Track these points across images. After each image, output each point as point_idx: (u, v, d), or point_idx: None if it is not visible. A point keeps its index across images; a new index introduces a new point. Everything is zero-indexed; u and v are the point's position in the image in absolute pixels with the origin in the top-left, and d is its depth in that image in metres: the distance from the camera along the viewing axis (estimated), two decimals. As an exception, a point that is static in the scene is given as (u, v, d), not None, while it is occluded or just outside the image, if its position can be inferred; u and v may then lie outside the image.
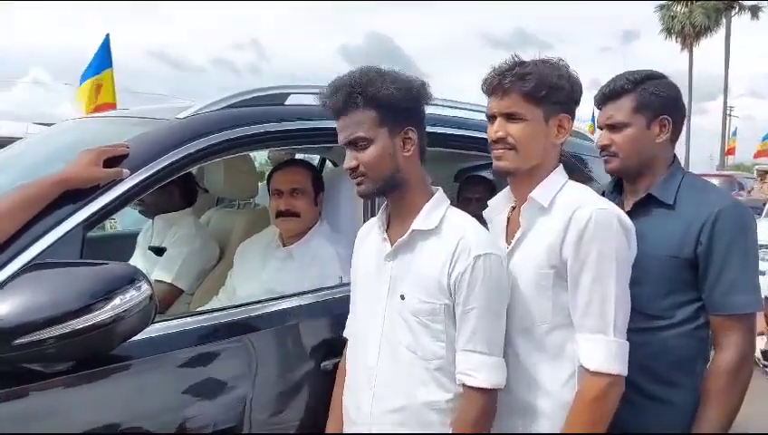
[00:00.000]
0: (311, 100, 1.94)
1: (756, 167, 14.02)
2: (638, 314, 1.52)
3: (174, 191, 2.59)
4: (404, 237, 1.41)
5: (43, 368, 1.23)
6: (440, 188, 1.49)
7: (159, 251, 2.57)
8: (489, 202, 1.66)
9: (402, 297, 1.40)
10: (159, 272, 2.41)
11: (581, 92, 1.48)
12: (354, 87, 1.36)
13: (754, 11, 32.87)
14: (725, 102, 34.16)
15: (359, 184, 1.43)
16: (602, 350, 1.34)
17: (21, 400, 1.23)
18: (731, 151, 21.36)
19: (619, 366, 1.34)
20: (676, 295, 1.55)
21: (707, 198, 1.58)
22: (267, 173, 3.62)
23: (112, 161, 1.45)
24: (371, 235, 1.54)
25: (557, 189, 1.44)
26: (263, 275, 2.10)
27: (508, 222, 1.56)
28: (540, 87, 1.39)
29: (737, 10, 33.04)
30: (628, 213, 1.60)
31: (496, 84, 1.42)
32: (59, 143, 2.06)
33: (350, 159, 1.40)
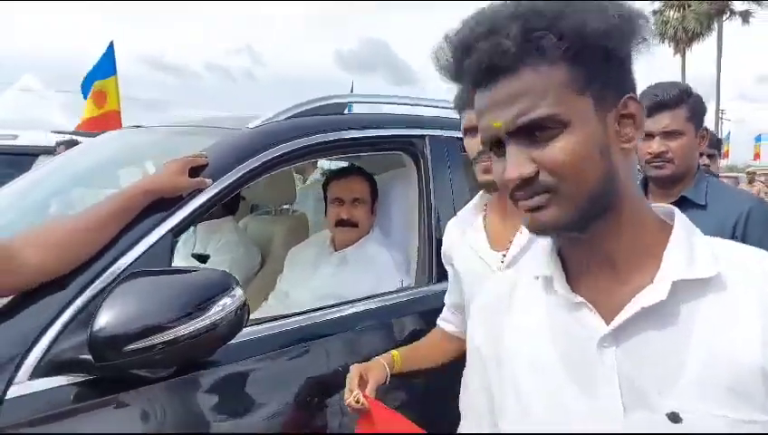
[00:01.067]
0: (368, 109, 1.99)
1: (747, 169, 14.16)
2: None
3: None
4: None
5: (149, 374, 1.25)
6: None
7: (202, 258, 2.59)
8: (459, 213, 1.64)
9: (675, 418, 0.66)
10: None
11: None
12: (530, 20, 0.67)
13: (745, 16, 33.18)
14: (718, 106, 34.42)
15: (541, 208, 0.70)
16: None
17: (131, 405, 1.25)
18: (724, 154, 21.53)
19: None
20: None
21: (736, 197, 1.74)
22: (312, 178, 3.67)
23: (195, 171, 1.47)
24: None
25: None
26: (315, 280, 2.12)
27: (487, 230, 1.51)
28: None
29: (728, 15, 33.34)
30: None
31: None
32: (122, 152, 2.08)
33: (517, 165, 0.69)
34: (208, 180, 1.47)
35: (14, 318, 1.19)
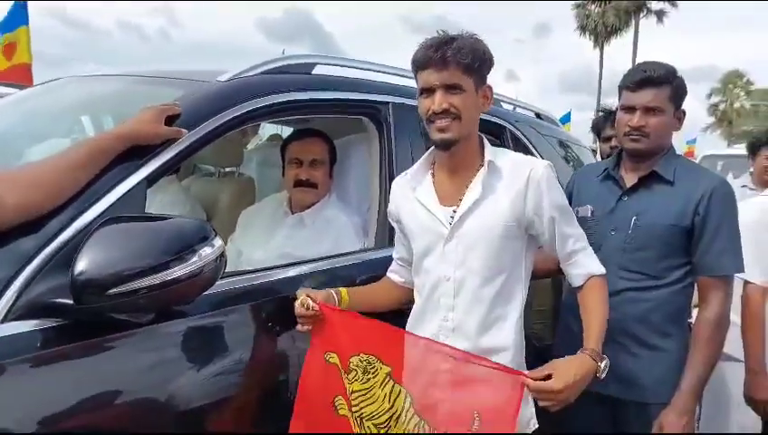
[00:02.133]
0: (335, 71, 2.01)
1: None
2: (641, 275, 1.81)
3: None
4: None
5: (130, 318, 1.24)
6: None
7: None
8: (408, 172, 1.68)
9: None
10: None
11: (493, 65, 1.57)
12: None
13: (660, 15, 35.26)
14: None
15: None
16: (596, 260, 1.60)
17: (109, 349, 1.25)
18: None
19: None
20: (671, 259, 1.80)
21: (702, 176, 1.84)
22: (256, 143, 3.62)
23: (169, 120, 1.46)
24: None
25: (498, 154, 1.58)
26: (272, 242, 2.13)
27: (435, 188, 1.60)
28: (475, 60, 1.48)
29: (645, 13, 35.25)
30: (633, 186, 1.87)
31: (437, 57, 1.45)
32: (80, 98, 2.00)
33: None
34: (184, 131, 1.46)
35: (-13, 259, 1.15)
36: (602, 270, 1.58)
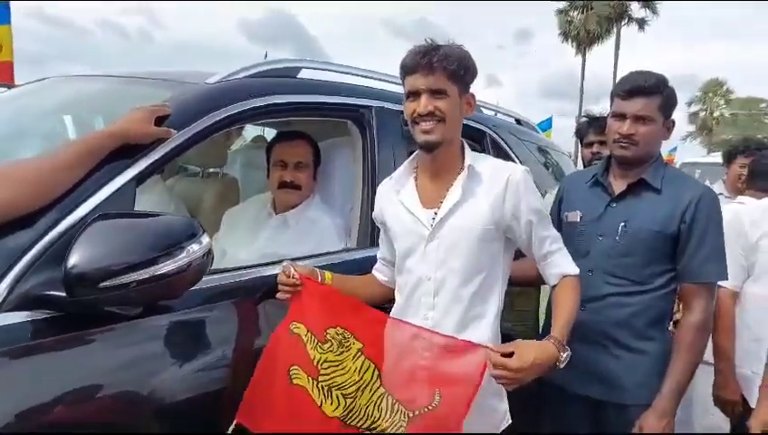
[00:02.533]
0: (320, 75, 2.07)
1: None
2: (626, 280, 1.85)
3: None
4: None
5: (120, 311, 1.29)
6: None
7: None
8: (392, 176, 1.75)
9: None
10: None
11: (477, 75, 1.66)
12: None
13: (641, 23, 35.82)
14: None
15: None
16: (570, 261, 1.66)
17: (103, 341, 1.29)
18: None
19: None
20: (655, 265, 1.84)
21: (689, 184, 1.87)
22: (238, 144, 3.66)
23: (159, 120, 1.51)
24: None
25: (478, 159, 1.66)
26: (256, 242, 2.18)
27: (418, 191, 1.67)
28: (460, 67, 1.56)
29: (627, 21, 35.80)
30: (622, 193, 1.91)
31: (423, 63, 1.53)
32: (71, 98, 2.04)
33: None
34: (173, 131, 1.52)
35: (-20, 254, 1.20)
36: (576, 270, 1.65)
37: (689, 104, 44.20)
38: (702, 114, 43.91)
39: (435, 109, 1.55)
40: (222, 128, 1.67)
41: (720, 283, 2.22)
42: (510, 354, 1.41)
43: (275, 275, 1.66)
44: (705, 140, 41.87)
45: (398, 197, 1.69)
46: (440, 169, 1.64)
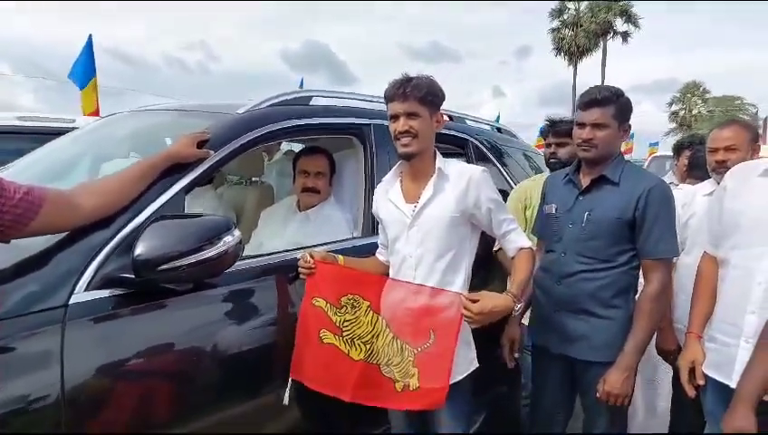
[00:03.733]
0: (328, 101, 2.23)
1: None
2: (593, 259, 1.93)
3: None
4: None
5: (176, 287, 1.47)
6: None
7: None
8: (383, 180, 1.91)
9: None
10: None
11: (444, 98, 1.78)
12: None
13: (625, 36, 35.09)
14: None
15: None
16: (524, 237, 1.79)
17: (163, 309, 1.48)
18: (629, 151, 22.45)
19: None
20: (618, 246, 1.90)
21: (643, 177, 1.92)
22: (277, 156, 3.84)
23: (201, 144, 1.69)
24: None
25: (447, 164, 1.79)
26: (285, 234, 2.35)
27: (402, 190, 1.82)
28: (428, 94, 1.70)
29: (612, 35, 35.10)
30: (587, 187, 1.99)
31: (399, 93, 1.69)
32: (136, 130, 2.24)
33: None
34: (211, 152, 1.69)
35: (74, 246, 1.39)
36: (529, 244, 1.78)
37: (670, 104, 43.06)
38: (682, 113, 42.76)
39: (410, 127, 1.70)
40: (249, 147, 1.83)
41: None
42: (476, 301, 1.57)
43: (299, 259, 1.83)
44: (685, 135, 40.72)
45: (387, 195, 1.85)
46: (417, 173, 1.79)
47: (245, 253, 2.38)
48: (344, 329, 1.72)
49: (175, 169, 1.61)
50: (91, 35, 6.53)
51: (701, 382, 1.78)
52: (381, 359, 1.68)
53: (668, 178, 3.88)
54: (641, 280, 1.95)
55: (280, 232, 2.38)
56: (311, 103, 2.12)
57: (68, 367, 1.27)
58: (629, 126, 1.96)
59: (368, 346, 1.70)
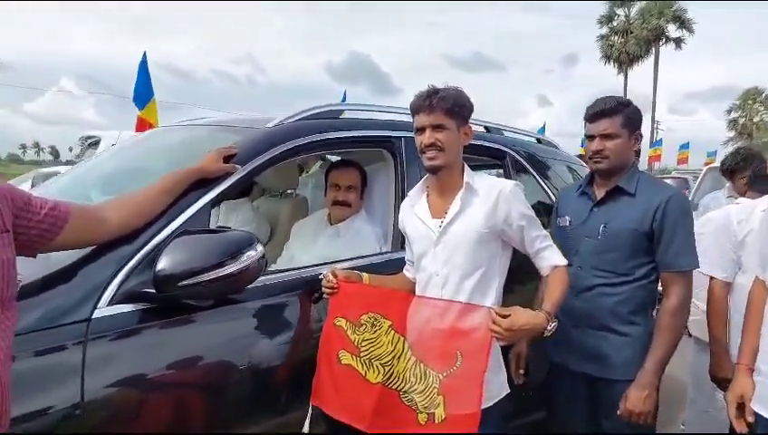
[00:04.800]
0: (358, 115, 2.20)
1: (674, 173, 14.45)
2: (610, 273, 1.86)
3: None
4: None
5: (197, 303, 1.46)
6: None
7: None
8: (408, 194, 1.85)
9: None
10: None
11: (473, 110, 1.72)
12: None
13: (678, 42, 33.75)
14: (653, 118, 35.02)
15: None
16: (559, 254, 1.69)
17: (182, 325, 1.47)
18: (657, 158, 21.88)
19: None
20: (636, 258, 1.84)
21: (660, 188, 1.88)
22: (314, 169, 3.85)
23: (228, 159, 1.68)
24: None
25: (476, 177, 1.71)
26: (315, 248, 2.33)
27: (428, 205, 1.75)
28: (455, 106, 1.64)
29: (664, 41, 33.85)
30: (602, 199, 1.93)
31: (425, 105, 1.63)
32: (176, 142, 2.29)
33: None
34: (237, 166, 1.69)
35: (98, 261, 1.40)
36: (564, 262, 1.68)
37: (729, 111, 41.12)
38: (742, 120, 40.69)
39: (436, 140, 1.64)
40: (278, 161, 1.82)
41: (712, 275, 2.17)
42: (507, 316, 1.48)
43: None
44: (746, 144, 38.71)
45: (413, 210, 1.79)
46: (444, 187, 1.73)
47: (277, 266, 2.42)
48: (362, 349, 1.66)
49: (201, 183, 1.61)
50: (145, 53, 6.75)
51: (750, 419, 1.64)
52: (401, 385, 1.60)
53: (727, 191, 3.65)
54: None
55: (310, 245, 2.35)
56: (342, 117, 2.10)
57: (89, 381, 1.27)
58: (641, 134, 1.92)
59: (386, 368, 1.62)
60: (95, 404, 1.27)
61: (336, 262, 1.96)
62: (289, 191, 3.24)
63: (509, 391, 1.68)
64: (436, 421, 1.51)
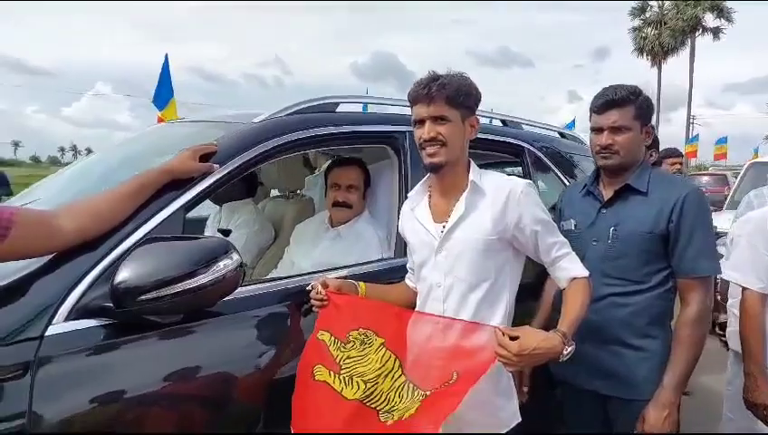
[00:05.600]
0: (355, 108, 2.02)
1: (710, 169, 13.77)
2: (622, 281, 1.67)
3: (238, 184, 2.66)
4: None
5: (160, 319, 1.31)
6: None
7: (225, 232, 2.67)
8: (409, 195, 1.66)
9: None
10: None
11: (480, 100, 1.53)
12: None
13: (716, 32, 32.38)
14: (689, 112, 33.75)
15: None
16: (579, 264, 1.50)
17: (144, 342, 1.32)
18: (693, 154, 21.05)
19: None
20: (651, 265, 1.65)
21: (675, 185, 1.68)
22: (323, 167, 3.72)
23: (206, 157, 1.53)
24: None
25: (483, 176, 1.51)
26: (315, 252, 2.17)
27: (430, 207, 1.57)
28: (459, 94, 1.44)
29: (701, 31, 32.56)
30: (610, 199, 1.73)
31: (424, 93, 1.44)
32: (155, 141, 2.15)
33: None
34: (216, 166, 1.53)
35: (54, 273, 1.26)
36: (585, 273, 1.47)
37: (770, 104, 39.32)
38: (785, 113, 38.85)
39: (437, 134, 1.45)
40: (264, 160, 1.66)
41: (747, 285, 1.92)
42: (515, 338, 1.28)
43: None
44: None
45: (413, 213, 1.60)
46: (448, 187, 1.53)
47: (278, 272, 2.27)
48: (343, 366, 1.48)
49: (174, 185, 1.45)
50: (167, 55, 6.77)
51: None
52: (382, 405, 1.41)
53: (768, 189, 3.34)
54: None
55: (310, 250, 2.20)
56: (337, 110, 1.93)
57: (37, 402, 1.13)
58: (652, 127, 1.75)
59: (369, 385, 1.43)
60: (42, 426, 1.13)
61: (335, 268, 1.79)
62: (298, 192, 3.10)
63: (520, 419, 1.48)
64: (397, 420, 1.33)
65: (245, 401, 1.46)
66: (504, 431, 1.44)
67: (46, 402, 1.15)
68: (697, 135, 20.51)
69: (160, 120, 6.58)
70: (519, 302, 1.54)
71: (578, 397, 1.79)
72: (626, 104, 1.67)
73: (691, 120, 34.59)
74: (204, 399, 1.39)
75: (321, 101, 1.89)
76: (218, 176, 1.53)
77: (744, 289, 1.93)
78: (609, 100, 1.69)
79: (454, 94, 1.44)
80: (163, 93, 6.67)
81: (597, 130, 1.74)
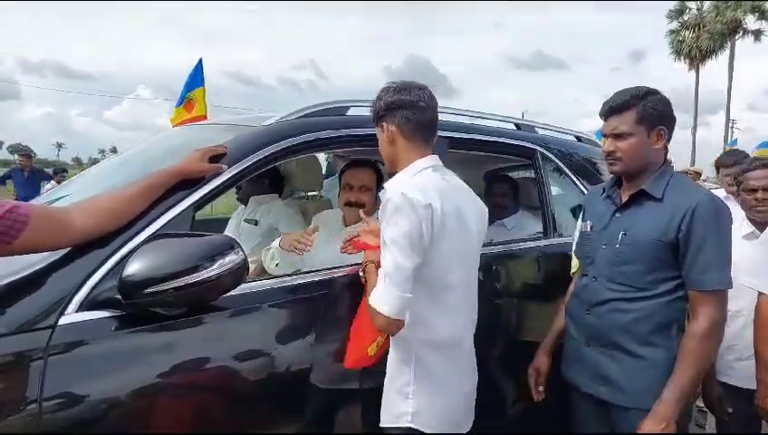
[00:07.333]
0: (366, 111, 2.05)
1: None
2: (627, 287, 1.62)
3: (264, 181, 2.76)
4: None
5: (166, 312, 1.36)
6: None
7: (253, 222, 2.76)
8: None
9: None
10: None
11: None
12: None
13: (757, 35, 31.17)
14: (728, 116, 32.54)
15: None
16: None
17: (149, 334, 1.38)
18: (731, 160, 20.17)
19: None
20: (658, 272, 1.59)
21: (690, 192, 1.60)
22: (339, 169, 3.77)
23: (215, 158, 1.58)
24: None
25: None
26: (327, 250, 2.20)
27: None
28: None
29: (741, 34, 31.40)
30: (625, 203, 1.70)
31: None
32: (171, 144, 2.22)
33: None
34: (224, 167, 1.58)
35: (67, 266, 1.32)
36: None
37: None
38: (831, 117, 37.06)
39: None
40: (272, 161, 1.70)
41: (763, 290, 1.86)
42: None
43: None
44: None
45: None
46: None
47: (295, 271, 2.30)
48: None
49: (183, 185, 1.51)
50: (201, 59, 6.94)
51: None
52: None
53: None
54: None
55: (323, 247, 2.24)
56: (347, 114, 1.96)
57: (48, 390, 1.19)
58: (664, 129, 1.65)
59: None
60: (53, 415, 1.20)
61: (347, 266, 1.82)
62: (314, 193, 3.16)
63: (411, 424, 1.46)
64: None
65: (249, 391, 1.50)
66: (391, 426, 1.47)
67: (57, 388, 1.21)
68: (736, 139, 19.77)
69: (184, 118, 6.77)
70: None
71: (580, 400, 1.76)
72: (626, 109, 1.62)
73: (730, 125, 33.37)
74: (208, 388, 1.44)
75: (330, 105, 1.92)
76: (227, 177, 1.58)
77: (759, 294, 1.87)
78: (608, 108, 1.66)
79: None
80: (192, 83, 6.86)
81: (604, 136, 1.72)
